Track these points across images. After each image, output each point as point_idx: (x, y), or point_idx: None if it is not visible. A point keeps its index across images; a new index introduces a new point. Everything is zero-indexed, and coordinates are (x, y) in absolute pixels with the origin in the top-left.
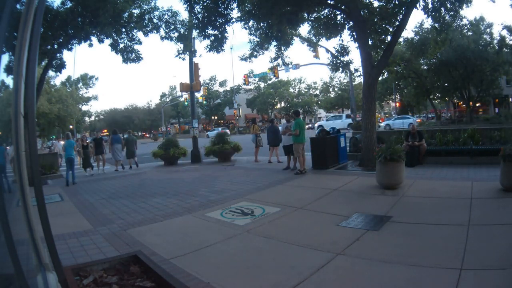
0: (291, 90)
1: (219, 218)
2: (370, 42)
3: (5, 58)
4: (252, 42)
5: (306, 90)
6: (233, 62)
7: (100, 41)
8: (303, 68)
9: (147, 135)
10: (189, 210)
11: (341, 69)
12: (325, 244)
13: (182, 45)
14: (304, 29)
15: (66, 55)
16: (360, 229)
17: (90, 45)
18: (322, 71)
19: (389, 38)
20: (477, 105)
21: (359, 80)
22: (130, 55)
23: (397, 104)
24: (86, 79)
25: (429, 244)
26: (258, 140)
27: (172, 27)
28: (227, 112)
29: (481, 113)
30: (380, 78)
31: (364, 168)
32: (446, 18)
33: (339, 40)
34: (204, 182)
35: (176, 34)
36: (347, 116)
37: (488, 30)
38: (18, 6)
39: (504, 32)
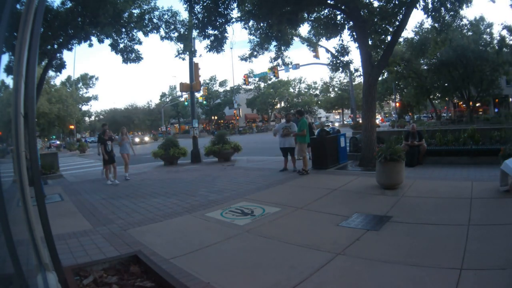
0: (291, 90)
1: (219, 218)
2: (370, 42)
3: (5, 58)
4: (252, 42)
5: (306, 90)
6: (233, 62)
7: (100, 41)
8: (303, 68)
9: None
10: (189, 210)
11: (341, 69)
12: (325, 244)
13: (182, 45)
14: (304, 29)
15: (66, 55)
16: (360, 229)
17: (90, 45)
18: (322, 71)
19: (389, 38)
20: (477, 105)
21: (359, 80)
22: (130, 55)
23: (397, 104)
24: (86, 79)
25: (429, 244)
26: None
27: (172, 27)
28: (227, 112)
29: (481, 113)
30: (380, 78)
31: (364, 168)
32: (446, 18)
33: (339, 40)
34: (204, 182)
35: (176, 34)
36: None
37: (488, 30)
38: (18, 6)
39: (504, 32)
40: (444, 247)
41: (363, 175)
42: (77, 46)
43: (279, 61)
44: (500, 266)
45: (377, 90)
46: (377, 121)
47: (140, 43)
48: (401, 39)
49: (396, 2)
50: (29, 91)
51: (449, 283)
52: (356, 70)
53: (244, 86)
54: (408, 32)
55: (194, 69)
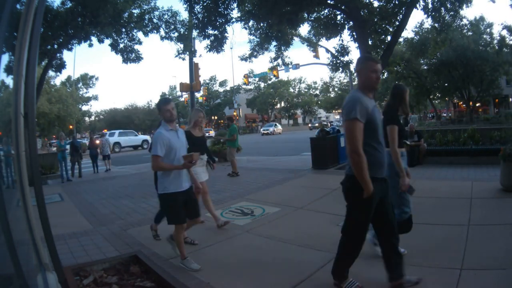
0: (291, 90)
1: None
2: (370, 42)
3: (5, 58)
4: (252, 42)
5: (306, 90)
6: (233, 62)
7: (100, 41)
8: (303, 68)
9: None
10: None
11: (341, 69)
12: (325, 244)
13: (182, 45)
14: (304, 29)
15: (66, 55)
16: None
17: (90, 45)
18: (322, 71)
19: (389, 38)
20: (477, 105)
21: None
22: (130, 55)
23: None
24: (86, 79)
25: (429, 244)
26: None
27: (172, 27)
28: (227, 112)
29: (481, 112)
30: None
31: None
32: (446, 18)
33: (339, 40)
34: None
35: (176, 34)
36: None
37: (488, 30)
38: (18, 6)
39: (504, 32)
40: (444, 247)
41: None
42: (77, 46)
43: (279, 61)
44: (500, 266)
45: (377, 90)
46: None
47: (140, 43)
48: (401, 39)
49: (396, 2)
50: (29, 91)
51: (449, 283)
52: None
53: (244, 86)
54: (408, 32)
55: (194, 69)
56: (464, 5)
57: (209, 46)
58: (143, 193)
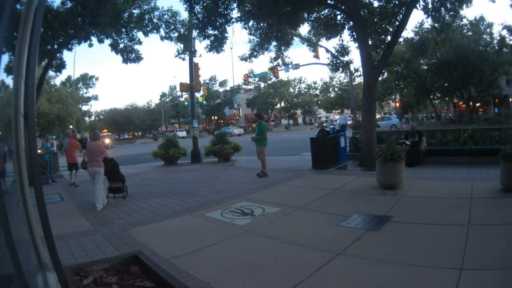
0: (291, 90)
1: (219, 218)
2: (370, 42)
3: (5, 58)
4: (252, 42)
5: (306, 90)
6: (233, 62)
7: (100, 41)
8: (303, 68)
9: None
10: (189, 210)
11: (341, 69)
12: (325, 244)
13: (182, 45)
14: (304, 29)
15: (66, 55)
16: (360, 229)
17: (90, 45)
18: (322, 71)
19: (389, 38)
20: (477, 105)
21: (359, 80)
22: (130, 55)
23: (397, 104)
24: (86, 79)
25: (429, 244)
26: None
27: (172, 27)
28: (227, 112)
29: (481, 113)
30: (380, 78)
31: (364, 168)
32: (446, 18)
33: (339, 40)
34: (204, 182)
35: (176, 34)
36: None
37: (488, 30)
38: (18, 6)
39: (504, 32)
40: (444, 247)
41: (363, 175)
42: (77, 46)
43: (279, 61)
44: (500, 266)
45: (377, 90)
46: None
47: (140, 43)
48: (401, 39)
49: (396, 2)
50: (29, 91)
51: (449, 283)
52: (356, 70)
53: (244, 86)
54: (408, 32)
55: (194, 69)
56: (464, 5)
57: (209, 46)
58: (143, 193)
